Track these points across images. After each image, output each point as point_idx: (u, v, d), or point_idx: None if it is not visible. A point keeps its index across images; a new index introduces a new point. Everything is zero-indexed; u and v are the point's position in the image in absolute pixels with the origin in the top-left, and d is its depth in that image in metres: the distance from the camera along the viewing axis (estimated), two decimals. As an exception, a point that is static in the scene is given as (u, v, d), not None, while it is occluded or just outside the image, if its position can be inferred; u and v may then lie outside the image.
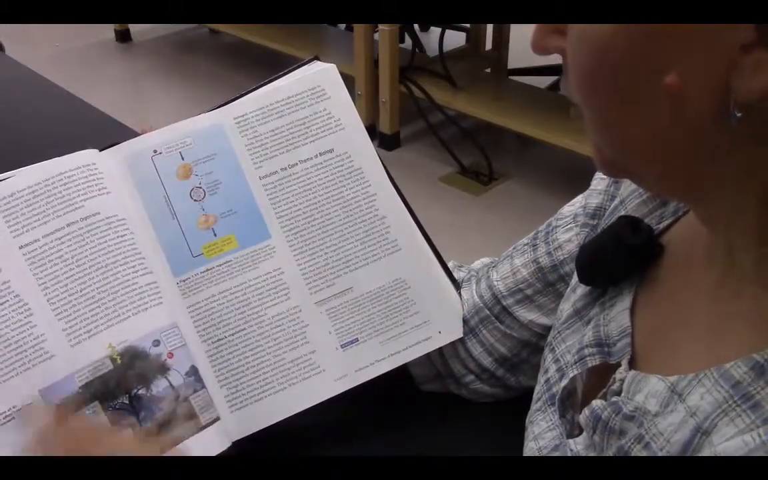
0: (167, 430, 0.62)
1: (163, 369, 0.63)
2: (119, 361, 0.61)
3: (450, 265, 0.72)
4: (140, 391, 0.62)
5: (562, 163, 2.35)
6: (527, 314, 0.65)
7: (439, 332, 0.68)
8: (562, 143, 2.14)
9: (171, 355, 0.63)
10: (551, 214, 0.66)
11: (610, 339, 0.49)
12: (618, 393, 0.45)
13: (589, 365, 0.49)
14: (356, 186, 0.69)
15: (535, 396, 0.56)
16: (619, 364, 0.47)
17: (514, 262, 0.66)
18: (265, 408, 0.65)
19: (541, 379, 0.56)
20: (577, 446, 0.47)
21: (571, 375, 0.51)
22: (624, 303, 0.50)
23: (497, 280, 0.67)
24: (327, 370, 0.66)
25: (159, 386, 0.62)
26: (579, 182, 0.70)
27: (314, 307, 0.67)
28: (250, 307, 0.66)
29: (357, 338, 0.67)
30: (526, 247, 0.66)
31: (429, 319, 0.68)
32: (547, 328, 0.64)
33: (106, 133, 1.13)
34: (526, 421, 0.56)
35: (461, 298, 0.69)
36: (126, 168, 0.66)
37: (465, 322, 0.69)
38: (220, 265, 0.66)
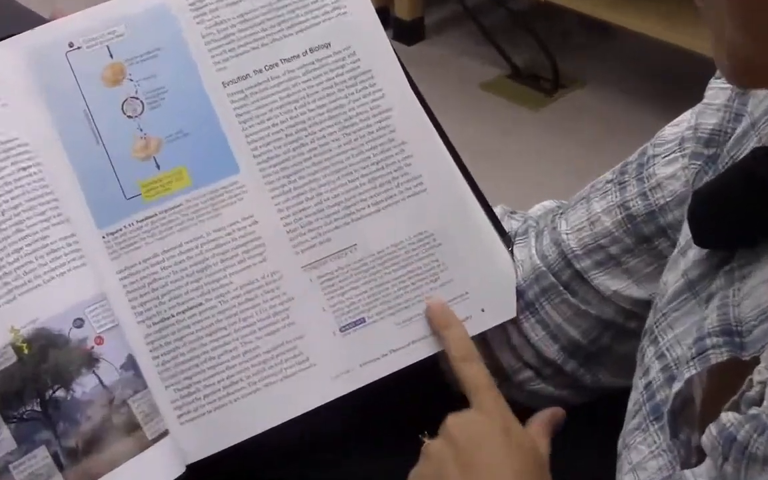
0: (98, 450, 0.62)
1: (90, 360, 0.63)
2: (27, 351, 0.62)
3: (497, 211, 0.72)
4: (58, 393, 0.62)
5: (657, 62, 2.31)
6: (611, 282, 0.65)
7: (482, 310, 0.69)
8: (657, 33, 2.08)
9: (100, 339, 0.64)
10: (642, 137, 0.66)
11: (743, 324, 0.49)
12: (758, 402, 0.45)
13: (713, 362, 0.50)
14: (363, 97, 0.69)
15: (630, 408, 0.56)
16: (757, 360, 0.47)
17: (593, 207, 0.67)
18: (232, 419, 0.65)
19: (639, 382, 0.55)
20: None
21: (686, 376, 0.51)
22: (764, 272, 0.50)
23: (567, 233, 0.67)
24: (320, 363, 0.67)
25: (85, 385, 0.63)
26: (682, 92, 0.71)
27: (301, 274, 0.67)
28: (208, 272, 0.66)
29: (363, 318, 0.68)
30: (609, 185, 0.66)
31: (468, 291, 0.69)
32: (641, 304, 0.65)
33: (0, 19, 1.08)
34: (619, 444, 0.55)
35: (514, 260, 0.70)
36: (29, 69, 0.66)
37: (520, 294, 0.69)
38: (165, 211, 0.66)
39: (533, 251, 0.69)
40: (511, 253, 0.70)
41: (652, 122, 0.67)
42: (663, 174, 0.63)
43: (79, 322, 0.63)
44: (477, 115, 2.22)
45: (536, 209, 0.74)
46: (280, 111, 0.68)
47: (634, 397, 0.56)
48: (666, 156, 0.64)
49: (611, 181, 0.67)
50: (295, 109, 0.68)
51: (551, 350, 0.69)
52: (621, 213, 0.65)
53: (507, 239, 0.71)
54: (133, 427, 0.63)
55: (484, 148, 2.06)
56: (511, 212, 0.75)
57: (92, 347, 0.63)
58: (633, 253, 0.65)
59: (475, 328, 0.69)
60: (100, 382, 0.63)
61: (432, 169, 0.69)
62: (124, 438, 0.63)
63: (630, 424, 0.55)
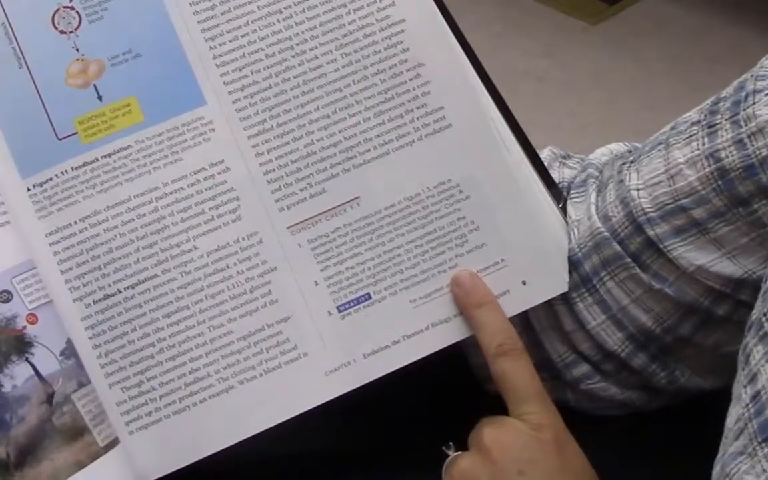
0: (35, 460, 0.62)
1: (22, 344, 0.63)
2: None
3: (544, 155, 0.72)
4: (-19, 388, 0.62)
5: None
6: (695, 255, 0.64)
7: (524, 282, 0.68)
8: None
9: (33, 317, 0.63)
10: (739, 62, 0.67)
11: None
12: None
13: None
14: (367, 5, 0.68)
15: (732, 425, 0.53)
16: None
17: (673, 155, 0.65)
18: (197, 426, 0.64)
19: (743, 392, 0.53)
20: None
21: None
22: None
23: (639, 189, 0.66)
24: (312, 353, 0.65)
25: (16, 377, 0.62)
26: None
27: (287, 236, 0.66)
28: (165, 235, 0.65)
29: (367, 294, 0.66)
30: (694, 128, 0.65)
31: (504, 258, 0.68)
32: (734, 284, 0.64)
33: None
34: (715, 473, 0.54)
35: (566, 219, 0.69)
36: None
37: (573, 265, 0.68)
38: (110, 155, 0.65)
39: (593, 210, 0.68)
40: (563, 210, 0.69)
41: (754, 42, 0.63)
42: (766, 116, 0.61)
43: (6, 296, 0.62)
44: (518, 29, 2.22)
45: (599, 154, 0.72)
46: (259, 24, 0.67)
47: (737, 412, 0.53)
48: None
49: (698, 122, 0.64)
50: (279, 21, 0.67)
51: (614, 340, 0.68)
52: (710, 165, 0.63)
53: (557, 192, 0.69)
54: (79, 430, 0.62)
55: (530, 71, 2.05)
56: (564, 157, 0.73)
57: (24, 328, 0.62)
58: (724, 218, 0.63)
59: (514, 307, 0.67)
60: (36, 372, 0.62)
61: (457, 99, 0.68)
62: (68, 445, 0.62)
63: (732, 447, 0.52)
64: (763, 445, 0.50)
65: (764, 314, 0.54)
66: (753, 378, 0.53)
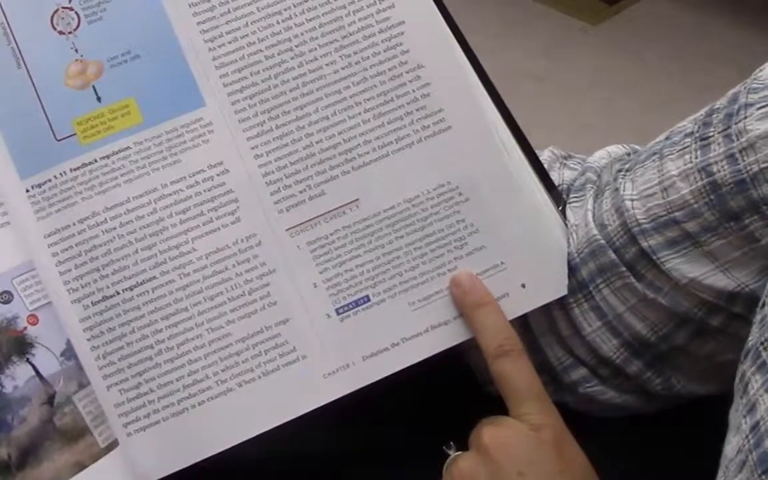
0: (36, 461, 0.62)
1: (22, 345, 0.63)
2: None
3: (545, 156, 0.71)
4: (-18, 388, 0.62)
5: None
6: (687, 267, 0.64)
7: (523, 285, 0.67)
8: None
9: (34, 318, 0.63)
10: (735, 61, 0.69)
11: None
12: None
13: None
14: (366, 7, 0.68)
15: (732, 456, 0.52)
16: None
17: (666, 167, 0.64)
18: (196, 428, 0.64)
19: (743, 422, 0.52)
20: None
21: None
22: None
23: (633, 200, 0.65)
24: (311, 356, 0.65)
25: (17, 377, 0.62)
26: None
27: (286, 238, 0.66)
28: (164, 237, 0.65)
29: (366, 297, 0.66)
30: (688, 140, 0.64)
31: (504, 261, 0.68)
32: (727, 296, 0.63)
33: None
34: None
35: (566, 223, 0.69)
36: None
37: (571, 270, 0.67)
38: (108, 156, 0.65)
39: (589, 216, 0.67)
40: (563, 213, 0.68)
41: (754, 42, 0.62)
42: (758, 131, 0.60)
43: (6, 296, 0.63)
44: (518, 29, 2.23)
45: (599, 156, 0.72)
46: (259, 26, 0.66)
47: (737, 442, 0.52)
48: (763, 106, 0.60)
49: (691, 134, 0.64)
50: (278, 22, 0.66)
51: (609, 346, 0.67)
52: (702, 179, 0.62)
53: (557, 195, 0.69)
54: (80, 431, 0.62)
55: (530, 72, 2.06)
56: (565, 157, 0.73)
57: (25, 329, 0.63)
58: (716, 232, 0.63)
59: (513, 309, 0.67)
60: (37, 373, 0.62)
61: (457, 101, 0.68)
62: (69, 446, 0.62)
63: (733, 475, 0.51)
64: (763, 476, 0.50)
65: (761, 343, 0.54)
66: (752, 408, 0.52)
